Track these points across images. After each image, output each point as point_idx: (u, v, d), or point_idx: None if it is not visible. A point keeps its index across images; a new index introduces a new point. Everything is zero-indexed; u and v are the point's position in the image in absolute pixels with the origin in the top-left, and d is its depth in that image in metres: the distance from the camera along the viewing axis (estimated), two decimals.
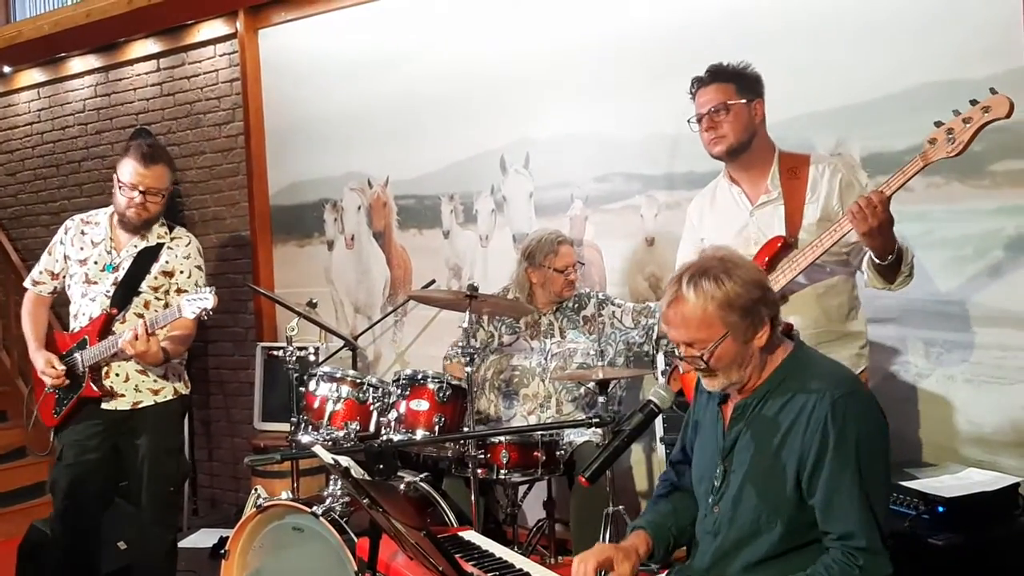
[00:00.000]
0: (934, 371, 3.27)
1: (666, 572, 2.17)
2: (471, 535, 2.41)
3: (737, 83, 2.73)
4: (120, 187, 3.43)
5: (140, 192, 3.40)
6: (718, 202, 2.88)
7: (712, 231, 2.86)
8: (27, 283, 3.69)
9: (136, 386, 3.47)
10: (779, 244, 2.62)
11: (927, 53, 3.20)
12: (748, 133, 2.72)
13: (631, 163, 3.95)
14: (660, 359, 3.44)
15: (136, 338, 3.23)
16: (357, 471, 1.86)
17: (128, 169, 3.42)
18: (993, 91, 2.25)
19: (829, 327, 2.67)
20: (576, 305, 3.74)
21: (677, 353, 1.98)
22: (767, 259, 2.62)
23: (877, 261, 2.48)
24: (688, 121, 2.81)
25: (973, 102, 2.26)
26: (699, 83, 2.79)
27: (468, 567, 2.09)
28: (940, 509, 2.64)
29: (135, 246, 3.50)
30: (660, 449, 3.56)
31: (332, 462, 1.81)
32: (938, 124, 2.30)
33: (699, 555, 2.06)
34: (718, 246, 2.05)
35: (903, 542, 2.64)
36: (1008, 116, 2.24)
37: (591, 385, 3.58)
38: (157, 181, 3.44)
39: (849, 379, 1.95)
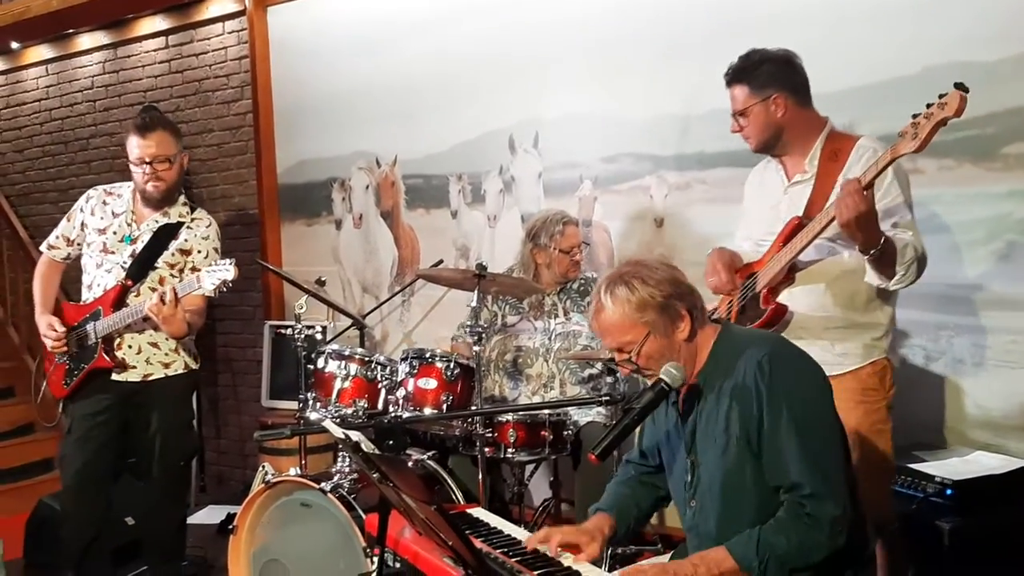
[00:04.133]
0: (943, 355, 3.26)
1: (671, 553, 2.21)
2: (479, 512, 2.41)
3: (751, 82, 2.64)
4: (132, 166, 3.46)
5: (147, 163, 3.41)
6: (766, 176, 2.82)
7: (751, 204, 2.85)
8: (43, 247, 3.70)
9: (148, 359, 3.48)
10: (794, 224, 2.57)
11: (938, 35, 3.18)
12: (770, 131, 2.65)
13: (641, 143, 3.93)
14: None
15: (163, 302, 3.22)
16: (368, 446, 1.87)
17: (131, 146, 3.44)
18: (959, 86, 2.15)
19: (835, 313, 2.57)
20: (582, 289, 3.74)
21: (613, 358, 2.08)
22: (783, 239, 2.58)
23: (861, 254, 2.42)
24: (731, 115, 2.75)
25: (941, 96, 2.18)
26: (725, 80, 2.73)
27: (476, 543, 2.10)
28: (948, 492, 2.65)
29: (156, 221, 3.51)
30: None
31: (343, 437, 1.82)
32: (915, 116, 2.24)
33: (691, 551, 2.07)
34: (632, 256, 2.27)
35: (911, 524, 2.66)
36: (958, 115, 2.15)
37: (597, 367, 3.59)
38: (160, 147, 3.43)
39: (770, 339, 2.05)
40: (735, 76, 2.69)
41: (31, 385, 3.87)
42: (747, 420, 1.92)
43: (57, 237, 3.65)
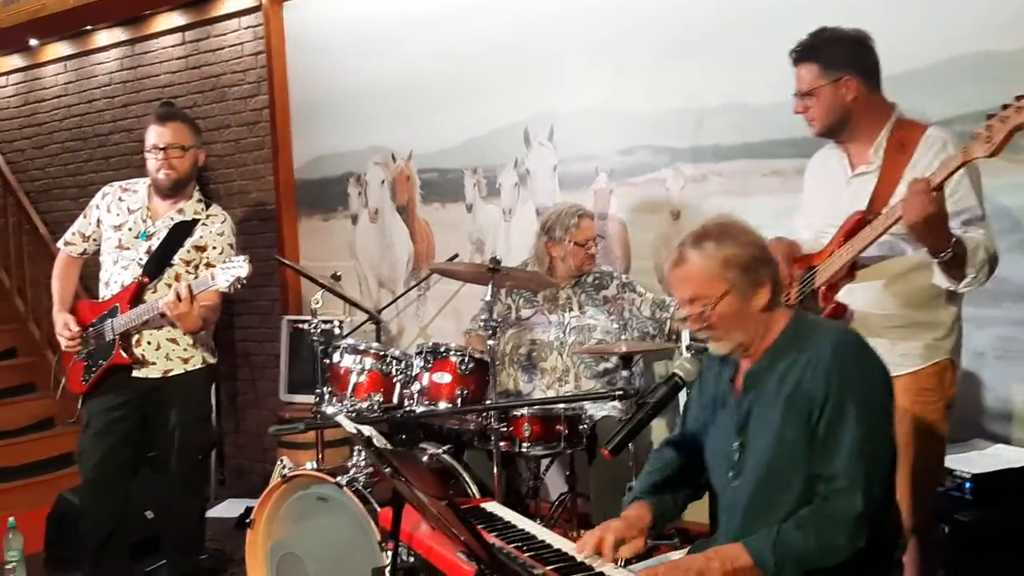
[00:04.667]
0: (964, 347, 3.21)
1: (688, 548, 2.18)
2: (493, 506, 2.41)
3: (823, 61, 2.50)
4: (147, 153, 3.49)
5: (161, 150, 3.44)
6: (828, 163, 2.67)
7: (812, 191, 2.74)
8: (60, 243, 3.74)
9: (167, 355, 3.51)
10: (856, 219, 2.45)
11: (956, 25, 3.12)
12: (837, 115, 2.52)
13: (657, 136, 3.90)
14: (685, 333, 3.41)
15: (179, 299, 3.24)
16: (380, 441, 1.87)
17: (149, 133, 3.50)
18: None
19: (896, 312, 2.46)
20: (597, 282, 3.72)
21: (679, 316, 1.99)
22: (845, 234, 2.46)
23: (931, 256, 2.31)
24: (793, 94, 2.62)
25: (1019, 97, 2.06)
26: (792, 58, 2.60)
27: (490, 538, 2.10)
28: (967, 485, 2.62)
29: (171, 218, 3.53)
30: None
31: (355, 431, 1.82)
32: (989, 117, 2.11)
33: (722, 532, 2.06)
34: (719, 215, 2.10)
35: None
36: None
37: (613, 361, 3.57)
38: (175, 137, 3.47)
39: (847, 330, 2.00)
40: (803, 54, 2.55)
41: (52, 381, 3.91)
42: (812, 404, 1.86)
43: (73, 234, 3.68)
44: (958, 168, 2.19)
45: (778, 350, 1.96)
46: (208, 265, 3.48)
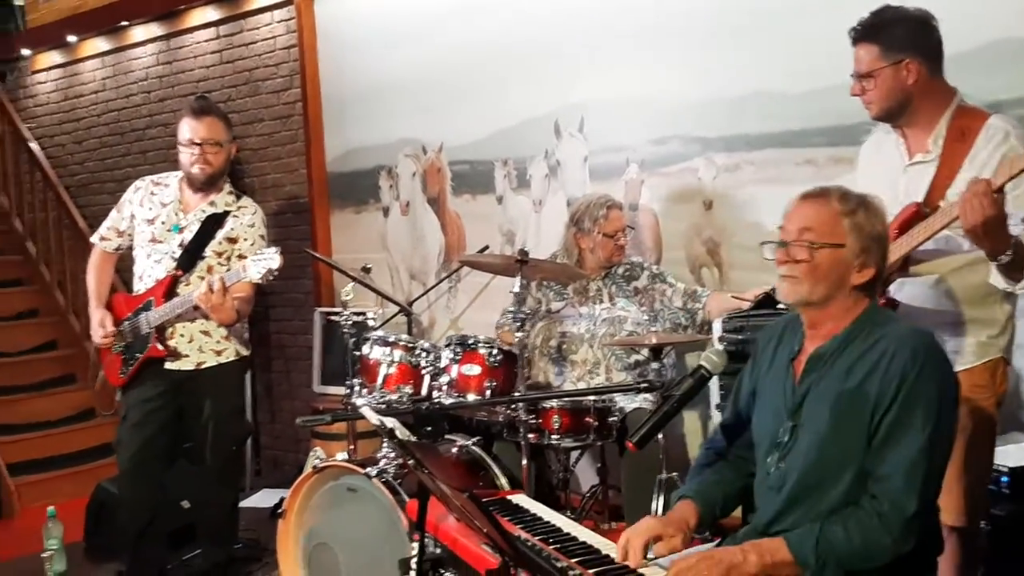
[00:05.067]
0: None
1: (718, 540, 2.15)
2: (520, 499, 2.40)
3: (884, 42, 2.39)
4: (181, 148, 3.52)
5: (197, 145, 3.47)
6: (883, 149, 2.58)
7: (867, 178, 2.62)
8: (94, 238, 3.79)
9: (200, 347, 3.55)
10: (912, 211, 2.37)
11: (998, 9, 3.04)
12: (896, 99, 2.41)
13: (689, 125, 3.86)
14: (717, 325, 3.38)
15: (212, 291, 3.27)
16: (403, 432, 1.87)
17: (184, 127, 3.52)
18: None
19: (949, 308, 2.40)
20: (627, 273, 3.70)
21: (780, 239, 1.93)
22: (898, 226, 2.37)
23: (989, 259, 2.23)
24: (850, 75, 2.52)
25: None
26: (851, 37, 2.49)
27: (516, 530, 2.09)
28: (1004, 479, 2.58)
29: (203, 211, 3.56)
30: (716, 417, 3.51)
31: (378, 423, 1.82)
32: None
33: (760, 512, 2.01)
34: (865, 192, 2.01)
35: None
36: None
37: (644, 353, 3.55)
38: (211, 132, 3.50)
39: (928, 334, 1.92)
40: (864, 34, 2.44)
41: (89, 373, 3.98)
42: (878, 401, 1.81)
43: (108, 228, 3.72)
44: (1022, 171, 2.09)
45: (848, 338, 1.91)
46: (240, 257, 3.51)
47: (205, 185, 3.56)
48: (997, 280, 2.29)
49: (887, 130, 2.57)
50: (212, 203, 3.58)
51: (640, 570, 1.86)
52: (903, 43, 2.39)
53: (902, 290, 2.42)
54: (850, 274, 1.89)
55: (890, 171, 2.52)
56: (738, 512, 2.32)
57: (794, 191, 2.00)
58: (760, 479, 2.04)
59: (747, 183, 3.71)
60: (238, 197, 3.65)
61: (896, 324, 1.93)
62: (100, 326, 3.55)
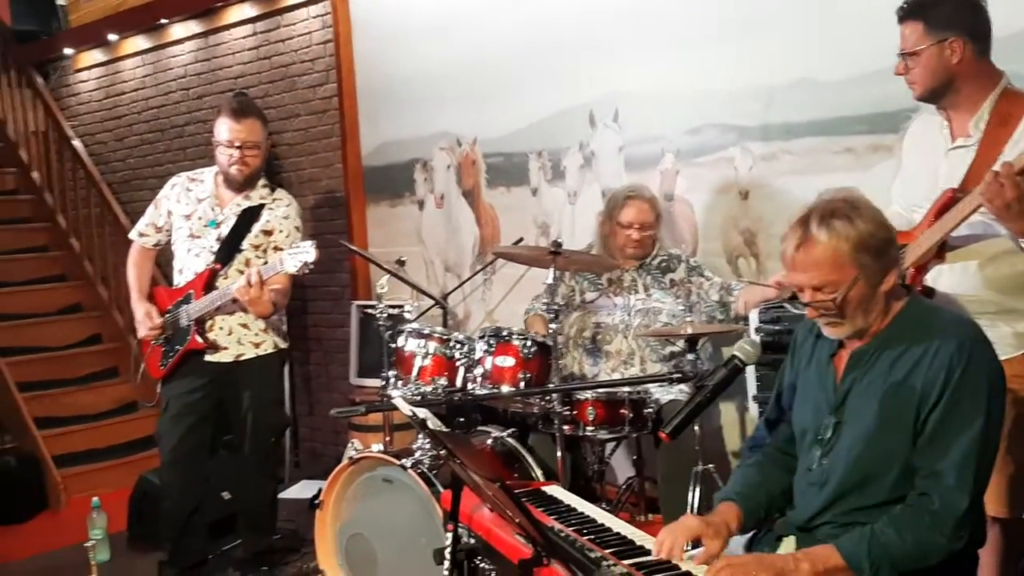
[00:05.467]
0: None
1: (753, 533, 2.13)
2: (554, 490, 2.40)
3: (929, 20, 2.35)
4: (218, 147, 3.54)
5: (237, 148, 3.51)
6: (928, 131, 2.53)
7: (910, 161, 2.60)
8: (133, 235, 3.85)
9: (239, 339, 3.59)
10: (949, 197, 2.32)
11: None
12: (940, 79, 2.37)
13: (724, 114, 3.82)
14: (753, 315, 3.35)
15: (249, 285, 3.32)
16: (435, 423, 1.87)
17: (222, 127, 3.53)
18: None
19: (986, 297, 2.36)
20: (663, 265, 3.66)
21: (800, 301, 1.89)
22: (936, 212, 2.34)
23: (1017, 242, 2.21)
24: (897, 54, 2.47)
25: None
26: (898, 15, 2.45)
27: (549, 520, 2.10)
28: None
29: (238, 204, 3.60)
30: (753, 408, 3.48)
31: (410, 413, 1.83)
32: None
33: (801, 508, 1.99)
34: (840, 188, 1.93)
35: None
36: None
37: (680, 344, 3.52)
38: (251, 134, 3.53)
39: (975, 326, 1.88)
40: (910, 11, 2.40)
41: (132, 366, 4.04)
42: (924, 396, 1.78)
43: (146, 225, 3.78)
44: None
45: (891, 334, 1.88)
46: (276, 249, 3.55)
47: (243, 186, 3.60)
48: None
49: (932, 113, 2.52)
50: (247, 196, 3.62)
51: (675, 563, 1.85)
52: (949, 21, 2.35)
53: (939, 277, 2.38)
54: (878, 288, 1.85)
55: (934, 155, 2.47)
56: None
57: (833, 180, 1.96)
58: (801, 474, 2.02)
59: (784, 172, 3.66)
60: (272, 190, 3.69)
61: (939, 316, 1.89)
62: (147, 318, 3.59)
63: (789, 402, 2.13)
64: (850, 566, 1.74)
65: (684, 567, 1.84)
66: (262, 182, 3.67)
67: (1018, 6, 2.88)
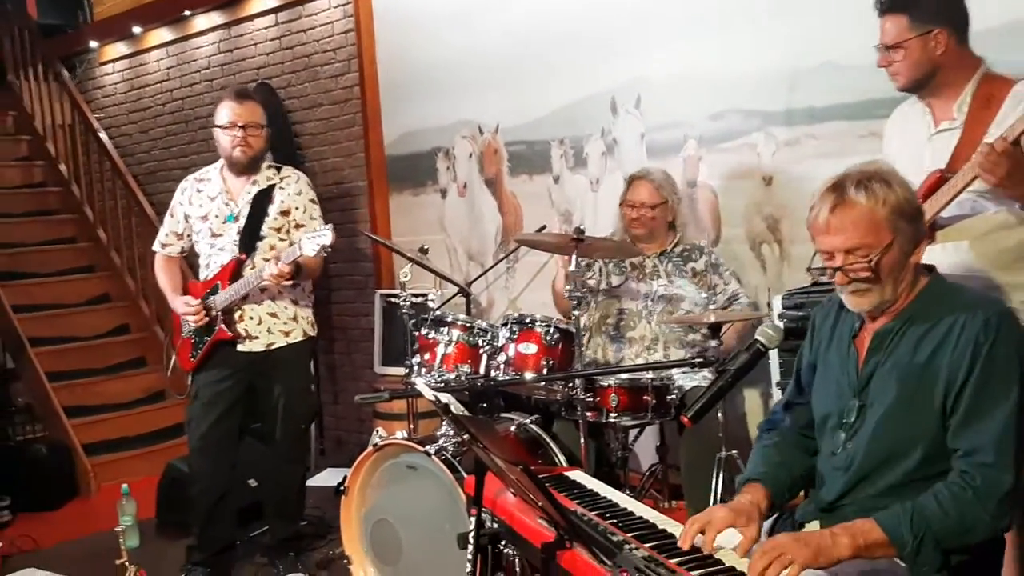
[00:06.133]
0: None
1: (776, 517, 2.13)
2: (577, 475, 2.41)
3: (912, 12, 2.45)
4: (222, 131, 3.58)
5: (240, 127, 3.54)
6: (909, 118, 2.62)
7: (893, 148, 2.67)
8: (155, 247, 3.87)
9: (269, 328, 3.63)
10: (936, 178, 2.38)
11: None
12: (924, 70, 2.46)
13: (747, 99, 3.80)
14: (776, 301, 3.33)
15: (280, 274, 3.38)
16: (457, 408, 1.89)
17: (224, 111, 3.59)
18: None
19: (979, 273, 2.40)
20: (685, 254, 3.65)
21: (830, 267, 1.86)
22: (922, 194, 2.37)
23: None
24: (874, 46, 2.57)
25: None
26: (878, 7, 2.54)
27: (572, 505, 2.10)
28: None
29: (249, 192, 3.63)
30: (776, 394, 3.47)
31: (433, 399, 1.84)
32: None
33: (826, 490, 1.98)
34: (869, 161, 1.92)
35: None
36: None
37: (703, 331, 3.52)
38: (252, 115, 3.59)
39: (999, 301, 1.90)
40: (891, 5, 2.48)
41: (162, 356, 4.09)
42: (953, 375, 1.76)
43: (167, 235, 3.81)
44: None
45: (915, 312, 1.86)
46: (298, 226, 3.60)
47: (248, 168, 3.63)
48: None
49: (913, 102, 2.60)
50: (255, 182, 3.65)
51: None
52: (931, 14, 2.44)
53: (932, 256, 2.38)
54: (908, 259, 1.84)
55: (916, 141, 2.55)
56: None
57: (857, 164, 1.94)
58: (824, 457, 2.00)
59: (808, 157, 3.64)
60: (278, 170, 3.72)
61: (964, 293, 1.87)
62: (187, 306, 3.61)
63: (808, 384, 2.11)
64: (891, 540, 1.69)
65: (718, 556, 1.76)
66: (266, 164, 3.70)
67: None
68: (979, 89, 2.41)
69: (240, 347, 3.61)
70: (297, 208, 3.64)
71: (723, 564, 1.72)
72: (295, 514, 3.94)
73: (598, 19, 4.23)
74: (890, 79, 2.54)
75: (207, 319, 3.60)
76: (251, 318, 3.62)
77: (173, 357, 3.79)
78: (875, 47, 2.53)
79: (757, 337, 1.92)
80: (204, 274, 3.71)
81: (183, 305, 3.63)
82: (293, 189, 3.66)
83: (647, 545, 1.82)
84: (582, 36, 4.29)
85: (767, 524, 2.08)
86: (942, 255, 2.40)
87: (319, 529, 4.15)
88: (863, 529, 1.70)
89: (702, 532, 1.79)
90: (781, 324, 3.11)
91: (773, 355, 3.28)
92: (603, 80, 4.25)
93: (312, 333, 3.79)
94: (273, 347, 3.64)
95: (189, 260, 4.05)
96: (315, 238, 3.30)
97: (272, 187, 3.64)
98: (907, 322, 1.86)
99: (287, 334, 3.66)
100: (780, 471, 2.03)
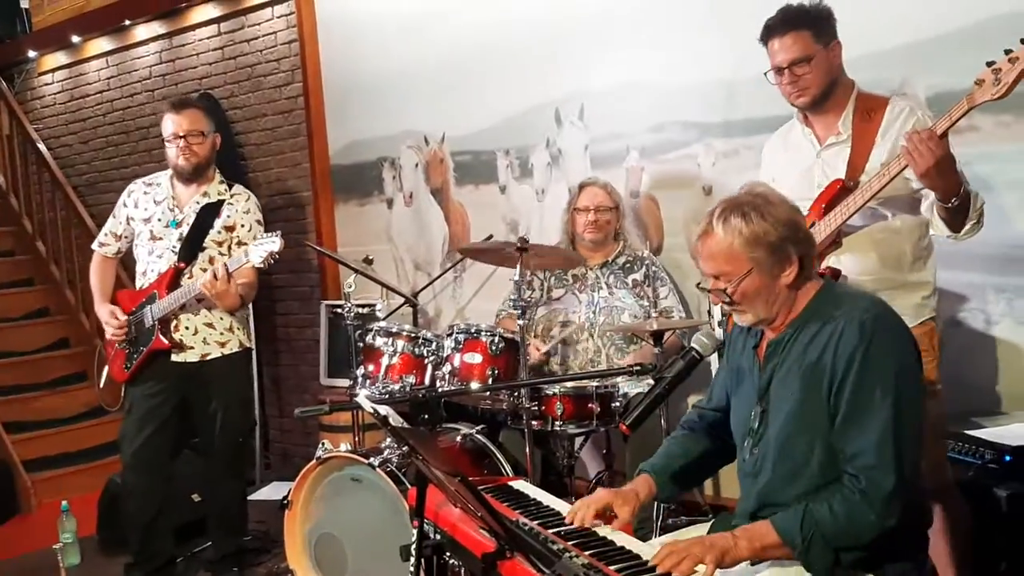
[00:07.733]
0: (1004, 318, 3.15)
1: (712, 521, 2.17)
2: (521, 484, 2.42)
3: (814, 28, 2.57)
4: (167, 143, 3.58)
5: (181, 137, 3.52)
6: (790, 142, 2.79)
7: (780, 171, 2.79)
8: (94, 245, 3.84)
9: (204, 339, 3.59)
10: (838, 187, 2.53)
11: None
12: (830, 79, 2.59)
13: (687, 111, 3.86)
14: (716, 309, 3.38)
15: (216, 279, 3.32)
16: (396, 420, 1.89)
17: (167, 123, 3.60)
18: None
19: (884, 275, 2.56)
20: (627, 264, 3.69)
21: (704, 286, 2.00)
22: (825, 203, 2.53)
23: (941, 203, 2.37)
24: (765, 74, 2.67)
25: (1022, 41, 2.12)
26: (770, 31, 2.63)
27: (514, 514, 2.11)
28: (1007, 458, 2.57)
29: (197, 202, 3.60)
30: None
31: (372, 411, 1.84)
32: (990, 64, 2.17)
33: (742, 499, 2.06)
34: (757, 183, 2.08)
35: (968, 491, 2.59)
36: None
37: (646, 340, 3.55)
38: (193, 123, 3.57)
39: (877, 302, 1.95)
40: (792, 23, 2.58)
41: (94, 371, 4.02)
42: (834, 377, 1.84)
43: (106, 234, 3.77)
44: (964, 114, 2.24)
45: (803, 320, 1.94)
46: (239, 243, 3.56)
47: (194, 176, 3.61)
48: (941, 229, 2.46)
49: (791, 125, 2.79)
50: (205, 194, 3.62)
51: (631, 547, 1.88)
52: (828, 28, 2.59)
53: (839, 263, 2.56)
54: (776, 281, 1.92)
55: (803, 160, 2.70)
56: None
57: (742, 187, 2.05)
58: (738, 466, 2.09)
59: (746, 168, 3.67)
60: (230, 186, 3.70)
61: (851, 300, 1.94)
62: (112, 317, 3.58)
63: (721, 397, 2.22)
64: (784, 542, 1.80)
65: (638, 550, 1.87)
66: (218, 178, 3.68)
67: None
68: (858, 105, 2.59)
69: (174, 357, 3.57)
70: (243, 226, 3.62)
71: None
72: (238, 529, 3.89)
73: (543, 31, 4.26)
74: (793, 99, 2.65)
75: (131, 335, 3.55)
76: (187, 328, 3.58)
77: (105, 369, 3.73)
78: (766, 74, 2.66)
79: (693, 345, 1.96)
80: (141, 282, 3.65)
81: (108, 315, 3.60)
82: (242, 207, 3.64)
83: (587, 553, 1.84)
84: (527, 47, 4.32)
85: (707, 526, 2.15)
86: (849, 262, 2.56)
87: (264, 544, 4.10)
88: (760, 532, 1.83)
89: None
90: (718, 332, 3.17)
91: (713, 361, 3.32)
92: (548, 91, 4.28)
93: (249, 344, 3.75)
94: (208, 358, 3.60)
95: (127, 265, 3.99)
96: (263, 245, 3.28)
97: (221, 202, 3.62)
98: (796, 330, 1.95)
99: (223, 345, 3.62)
100: (671, 462, 2.19)
